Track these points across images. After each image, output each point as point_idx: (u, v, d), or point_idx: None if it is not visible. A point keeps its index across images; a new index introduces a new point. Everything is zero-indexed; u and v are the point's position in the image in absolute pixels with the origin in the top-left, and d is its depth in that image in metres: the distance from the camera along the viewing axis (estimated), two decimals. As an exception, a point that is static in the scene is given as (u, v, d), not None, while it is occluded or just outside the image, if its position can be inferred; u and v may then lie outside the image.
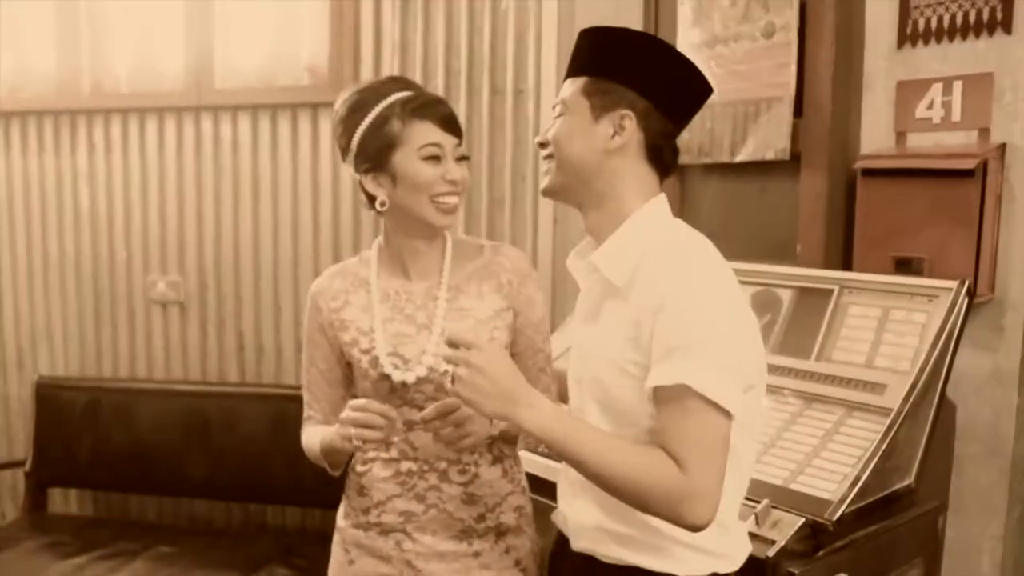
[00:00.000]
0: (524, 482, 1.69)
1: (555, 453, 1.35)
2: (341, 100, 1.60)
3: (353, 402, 1.47)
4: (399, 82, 1.62)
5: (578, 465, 1.33)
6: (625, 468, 1.30)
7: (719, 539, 1.43)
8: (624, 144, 1.42)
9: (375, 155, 1.56)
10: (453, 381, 1.31)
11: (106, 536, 3.21)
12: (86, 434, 3.42)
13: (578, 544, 1.51)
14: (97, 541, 3.16)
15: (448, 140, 1.54)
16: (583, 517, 1.48)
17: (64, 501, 3.68)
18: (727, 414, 1.30)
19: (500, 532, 1.61)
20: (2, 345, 3.75)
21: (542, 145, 1.49)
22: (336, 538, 1.72)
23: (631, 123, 1.42)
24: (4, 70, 3.62)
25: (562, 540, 1.57)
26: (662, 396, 1.31)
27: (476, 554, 1.59)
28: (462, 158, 1.57)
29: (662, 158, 1.47)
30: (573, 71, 1.47)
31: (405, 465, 1.59)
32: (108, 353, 3.62)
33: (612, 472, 1.30)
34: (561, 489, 1.58)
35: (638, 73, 1.43)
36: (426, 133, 1.53)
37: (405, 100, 1.56)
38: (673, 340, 1.30)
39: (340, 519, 1.72)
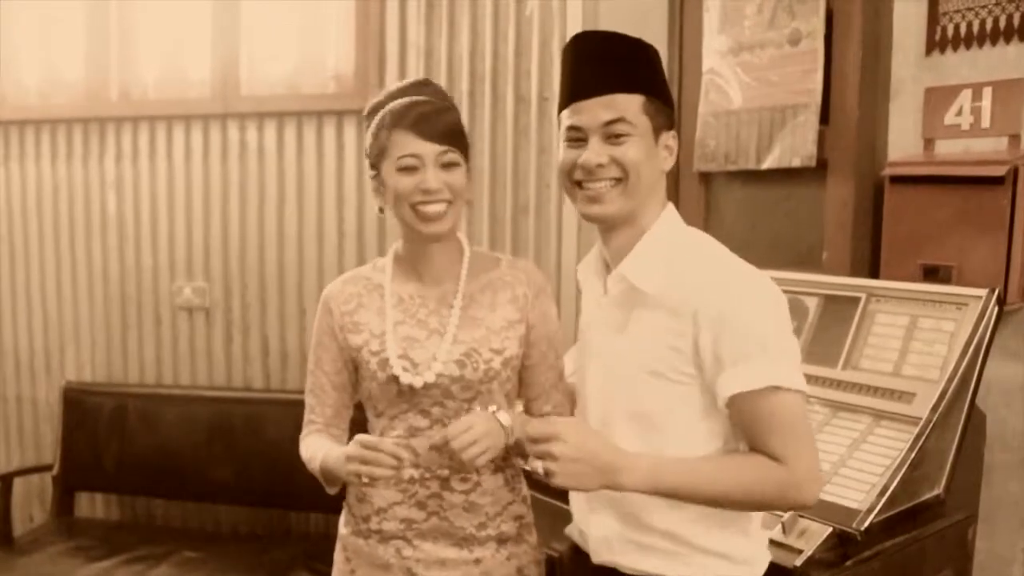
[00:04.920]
0: (525, 491, 1.69)
1: (669, 497, 1.37)
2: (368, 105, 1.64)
3: (363, 438, 1.45)
4: (411, 88, 1.62)
5: (692, 499, 1.36)
6: (738, 488, 1.34)
7: (741, 546, 1.43)
8: (671, 164, 1.46)
9: (373, 163, 1.59)
10: (547, 475, 1.32)
11: (132, 540, 3.24)
12: (113, 439, 3.44)
13: (599, 558, 1.50)
14: (123, 545, 3.18)
15: (428, 148, 1.52)
16: (603, 530, 1.48)
17: (91, 505, 3.70)
18: (804, 395, 1.36)
19: (501, 540, 1.60)
20: (31, 350, 3.79)
21: (599, 167, 1.41)
22: (338, 546, 1.71)
23: (675, 143, 1.45)
24: (34, 79, 3.67)
25: (577, 554, 1.56)
26: (746, 401, 1.34)
27: (477, 561, 1.59)
28: (451, 164, 1.54)
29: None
30: (620, 86, 1.40)
31: (407, 472, 1.57)
32: (135, 358, 3.65)
33: (727, 496, 1.35)
34: (576, 504, 1.57)
35: (667, 90, 1.46)
36: (402, 143, 1.53)
37: (393, 109, 1.56)
38: (747, 346, 1.33)
39: (341, 527, 1.71)
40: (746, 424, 1.36)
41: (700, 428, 1.41)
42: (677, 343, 1.37)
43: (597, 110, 1.40)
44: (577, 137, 1.44)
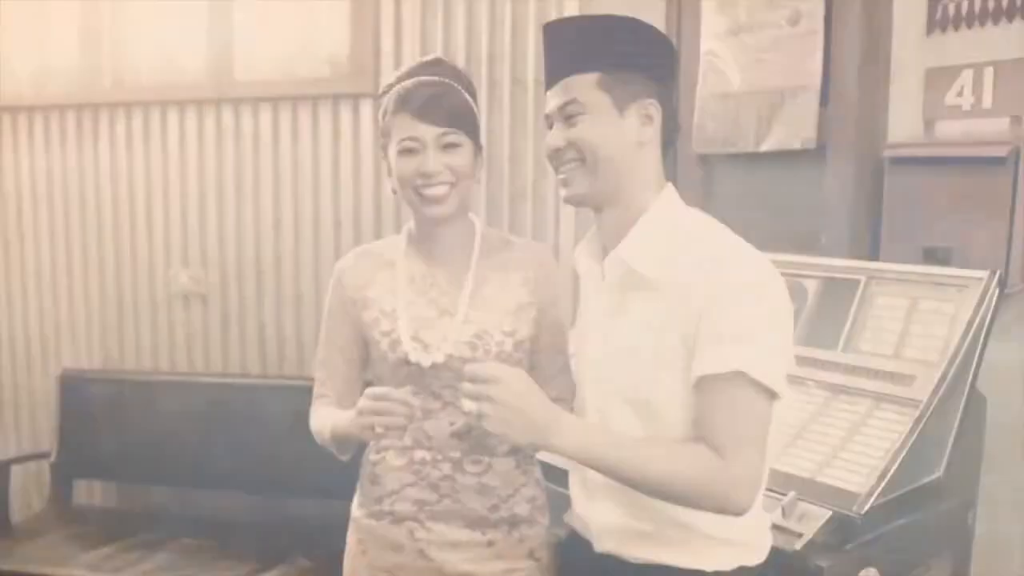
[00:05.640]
0: (538, 473, 1.68)
1: (592, 468, 1.34)
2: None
3: (372, 391, 1.45)
4: (421, 68, 1.61)
5: (617, 475, 1.32)
6: (667, 471, 1.30)
7: (745, 531, 1.42)
8: (652, 135, 1.41)
9: (382, 145, 1.61)
10: (479, 417, 1.29)
11: (130, 527, 3.24)
12: (109, 426, 3.43)
13: (602, 546, 1.49)
14: (121, 532, 3.19)
15: (428, 131, 1.52)
16: (606, 518, 1.46)
17: (88, 492, 3.69)
18: (774, 397, 1.31)
19: (513, 522, 1.60)
20: (26, 338, 3.77)
21: (558, 151, 1.42)
22: (351, 527, 1.71)
23: (656, 111, 1.41)
24: (28, 65, 3.64)
25: (576, 542, 1.55)
26: (711, 383, 1.30)
27: (490, 543, 1.59)
28: (452, 146, 1.54)
29: (672, 143, 1.47)
30: (573, 68, 1.40)
31: (419, 454, 1.58)
32: (131, 345, 3.64)
33: (654, 477, 1.30)
34: (575, 492, 1.56)
35: (647, 58, 1.42)
36: (403, 126, 1.54)
37: (396, 91, 1.57)
38: (727, 328, 1.29)
39: (355, 508, 1.71)
40: (703, 409, 1.32)
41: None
42: (676, 326, 1.34)
43: (555, 96, 1.43)
44: (549, 124, 1.46)
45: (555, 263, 1.65)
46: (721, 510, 1.31)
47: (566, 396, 1.58)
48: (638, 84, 1.40)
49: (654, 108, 1.41)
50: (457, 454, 1.57)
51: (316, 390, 1.72)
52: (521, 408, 1.28)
